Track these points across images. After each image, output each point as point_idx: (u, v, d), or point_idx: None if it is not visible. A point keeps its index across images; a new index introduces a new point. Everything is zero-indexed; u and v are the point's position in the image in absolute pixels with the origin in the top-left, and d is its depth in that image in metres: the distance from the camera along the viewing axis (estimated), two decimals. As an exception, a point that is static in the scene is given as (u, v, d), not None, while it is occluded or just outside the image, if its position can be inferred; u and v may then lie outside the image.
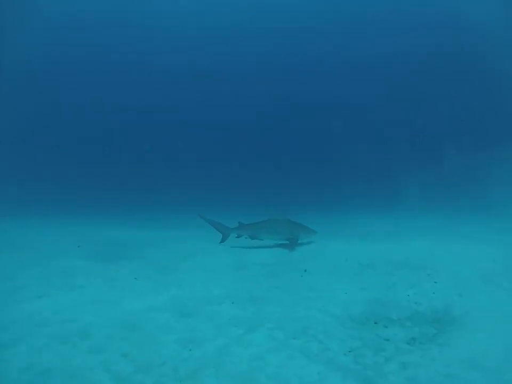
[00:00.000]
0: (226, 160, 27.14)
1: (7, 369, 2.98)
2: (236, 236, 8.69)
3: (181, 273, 6.17)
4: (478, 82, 23.64)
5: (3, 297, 4.65)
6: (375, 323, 4.10)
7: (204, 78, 30.93)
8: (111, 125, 29.78)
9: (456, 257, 6.02)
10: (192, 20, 30.33)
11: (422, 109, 25.29)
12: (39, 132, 27.13)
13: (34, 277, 5.51)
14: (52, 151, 26.08)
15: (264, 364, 3.12)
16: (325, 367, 3.07)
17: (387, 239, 8.51)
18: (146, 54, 31.32)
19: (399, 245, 7.45)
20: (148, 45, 31.22)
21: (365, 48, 28.89)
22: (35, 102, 28.41)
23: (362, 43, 29.08)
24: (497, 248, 6.51)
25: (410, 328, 3.94)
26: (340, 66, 29.83)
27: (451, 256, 6.11)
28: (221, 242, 8.68)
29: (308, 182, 22.81)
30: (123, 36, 30.75)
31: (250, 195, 19.20)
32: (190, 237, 10.13)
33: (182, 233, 11.04)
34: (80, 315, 4.06)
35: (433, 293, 4.67)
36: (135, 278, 5.70)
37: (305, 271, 6.11)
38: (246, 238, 8.62)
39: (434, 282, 5.05)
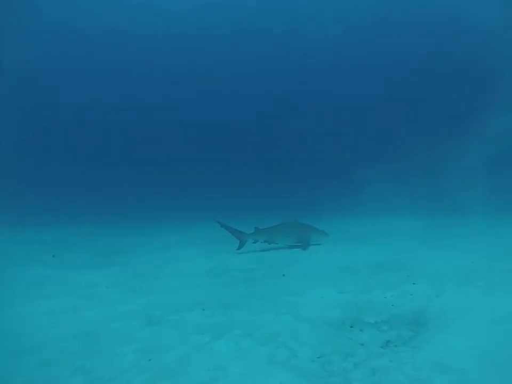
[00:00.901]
0: (229, 161, 26.94)
1: None
2: (253, 241, 8.64)
3: (157, 280, 5.97)
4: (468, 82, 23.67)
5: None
6: (351, 327, 3.94)
7: (203, 78, 30.71)
8: (108, 126, 29.45)
9: (435, 258, 5.91)
10: (192, 20, 30.18)
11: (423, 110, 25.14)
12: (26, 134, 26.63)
13: (-2, 287, 5.27)
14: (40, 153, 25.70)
15: (225, 374, 2.92)
16: (289, 375, 2.88)
17: (368, 242, 8.40)
18: (146, 54, 31.10)
19: (380, 247, 7.33)
20: (147, 45, 31.01)
21: (365, 49, 28.87)
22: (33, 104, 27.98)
23: (362, 43, 29.07)
24: (477, 248, 6.43)
25: (387, 332, 3.78)
26: (340, 66, 29.78)
27: (431, 257, 5.99)
28: (238, 249, 8.48)
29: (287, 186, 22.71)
30: (123, 36, 30.51)
31: (246, 200, 19.13)
32: (175, 243, 9.95)
33: (167, 239, 10.86)
34: (37, 328, 3.82)
35: (411, 294, 4.53)
36: (106, 286, 5.47)
37: (284, 275, 5.94)
38: (262, 242, 8.59)
39: (413, 283, 4.91)
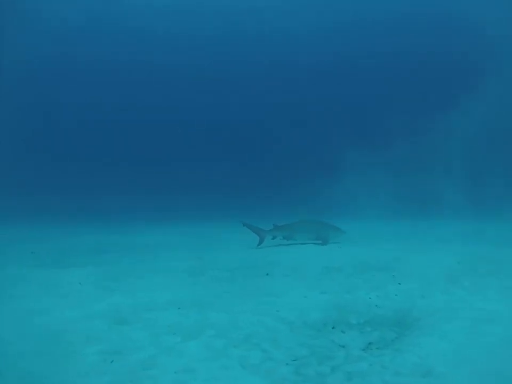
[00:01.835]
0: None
1: None
2: (272, 237, 8.80)
3: (134, 279, 5.71)
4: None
5: None
6: (333, 328, 3.75)
7: (204, 78, 30.42)
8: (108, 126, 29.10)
9: (422, 259, 5.76)
10: (192, 20, 29.90)
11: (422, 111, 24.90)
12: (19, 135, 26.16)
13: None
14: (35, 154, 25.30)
15: (192, 377, 2.70)
16: (261, 379, 2.67)
17: (356, 243, 8.26)
18: (146, 54, 30.76)
19: (367, 247, 7.18)
20: (147, 45, 30.70)
21: (365, 49, 28.67)
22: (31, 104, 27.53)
23: (362, 43, 28.89)
24: (463, 249, 6.32)
25: (369, 333, 3.59)
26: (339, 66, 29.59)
27: (417, 258, 5.84)
28: (258, 245, 8.63)
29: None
30: (123, 36, 30.19)
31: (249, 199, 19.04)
32: (159, 243, 9.73)
33: (151, 238, 10.63)
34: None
35: (396, 295, 4.35)
36: (79, 283, 5.23)
37: (267, 275, 5.74)
38: (281, 239, 8.78)
39: (399, 284, 4.74)
